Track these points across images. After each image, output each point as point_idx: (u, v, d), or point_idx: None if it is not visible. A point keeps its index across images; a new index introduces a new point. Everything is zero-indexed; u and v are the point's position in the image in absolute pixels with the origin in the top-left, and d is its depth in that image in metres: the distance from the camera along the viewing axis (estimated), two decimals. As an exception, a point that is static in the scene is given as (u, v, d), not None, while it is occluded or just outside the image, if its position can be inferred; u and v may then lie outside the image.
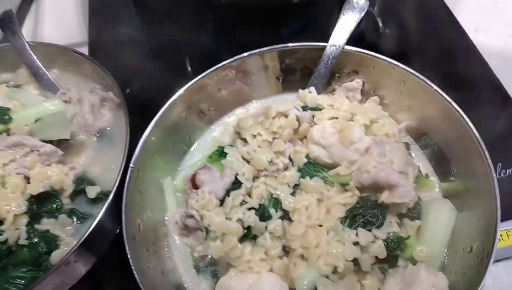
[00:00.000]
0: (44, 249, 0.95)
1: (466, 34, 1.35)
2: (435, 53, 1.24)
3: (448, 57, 1.26)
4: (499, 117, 1.19)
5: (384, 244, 0.89)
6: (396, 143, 0.99)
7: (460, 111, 0.97)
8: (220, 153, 1.08)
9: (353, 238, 0.88)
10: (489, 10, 1.45)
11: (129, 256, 0.87)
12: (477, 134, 0.95)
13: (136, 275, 0.85)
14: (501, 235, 1.01)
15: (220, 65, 1.12)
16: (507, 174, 1.11)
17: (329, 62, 1.10)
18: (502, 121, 1.20)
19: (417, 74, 1.04)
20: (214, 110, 1.19)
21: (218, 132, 1.19)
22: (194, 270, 0.99)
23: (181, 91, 1.09)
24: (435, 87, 1.01)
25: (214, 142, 1.16)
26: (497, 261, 1.03)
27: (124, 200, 0.93)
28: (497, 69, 1.26)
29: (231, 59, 1.12)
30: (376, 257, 0.89)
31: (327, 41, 1.11)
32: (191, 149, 1.17)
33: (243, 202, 0.96)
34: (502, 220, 0.86)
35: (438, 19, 1.38)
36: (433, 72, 1.08)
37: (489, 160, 0.91)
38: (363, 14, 1.10)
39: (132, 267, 0.85)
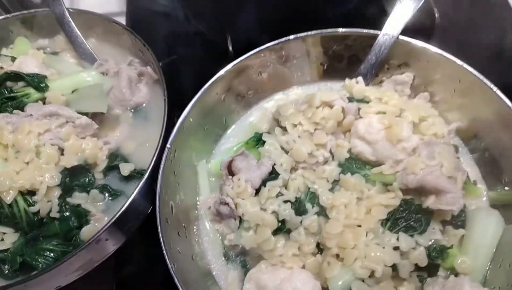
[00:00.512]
0: (75, 224, 0.95)
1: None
2: (493, 51, 1.16)
3: (508, 55, 1.17)
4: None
5: (426, 251, 0.85)
6: (446, 145, 0.94)
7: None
8: (257, 140, 1.04)
9: (393, 243, 0.84)
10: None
11: (161, 240, 0.85)
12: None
13: (167, 260, 0.83)
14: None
15: (263, 47, 1.07)
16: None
17: (381, 51, 1.04)
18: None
19: (475, 72, 0.97)
20: (253, 94, 1.15)
21: (255, 117, 1.15)
22: (223, 258, 0.97)
23: (221, 72, 1.05)
24: (495, 88, 0.94)
25: (251, 127, 1.12)
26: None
27: (159, 181, 0.91)
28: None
29: (275, 42, 1.07)
30: (416, 265, 0.85)
31: (376, 29, 1.04)
32: (227, 132, 1.14)
33: (279, 194, 0.92)
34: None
35: (498, 14, 1.28)
36: (490, 71, 1.00)
37: None
38: (421, 2, 1.03)
39: (165, 252, 0.84)
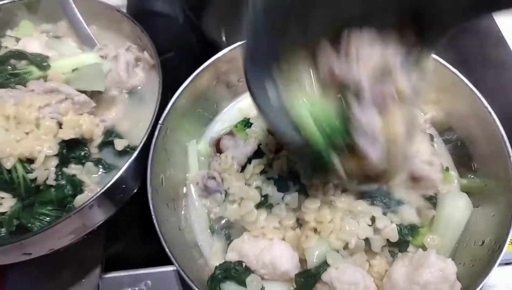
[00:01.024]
0: (69, 192, 1.00)
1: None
2: (467, 47, 1.24)
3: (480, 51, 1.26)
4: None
5: (397, 229, 0.91)
6: (423, 133, 1.00)
7: (490, 109, 0.98)
8: (246, 123, 1.10)
9: (367, 220, 0.90)
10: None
11: (150, 205, 0.91)
12: (504, 135, 0.95)
13: (156, 224, 0.88)
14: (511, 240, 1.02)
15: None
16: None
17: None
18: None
19: (450, 67, 1.04)
20: (243, 82, 1.21)
21: (244, 104, 1.21)
22: (209, 230, 1.02)
23: (212, 59, 1.11)
24: (468, 82, 1.01)
25: (240, 113, 1.19)
26: (507, 264, 1.04)
27: (150, 154, 0.97)
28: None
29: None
30: (388, 240, 0.91)
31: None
32: (217, 117, 1.20)
33: (263, 172, 0.99)
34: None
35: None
36: (466, 67, 1.08)
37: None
38: None
39: (153, 215, 0.89)
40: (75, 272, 1.11)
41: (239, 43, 1.12)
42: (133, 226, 1.14)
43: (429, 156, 0.95)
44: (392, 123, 0.74)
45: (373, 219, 0.90)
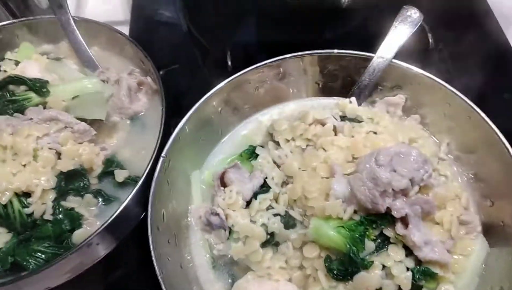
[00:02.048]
0: (67, 227, 0.96)
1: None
2: (486, 78, 1.19)
3: (500, 84, 1.21)
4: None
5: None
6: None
7: (507, 144, 0.93)
8: (251, 153, 1.06)
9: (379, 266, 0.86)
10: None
11: (151, 247, 0.86)
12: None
13: (156, 268, 0.84)
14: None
15: (262, 63, 1.10)
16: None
17: (374, 73, 1.07)
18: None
19: (465, 98, 0.99)
20: (249, 108, 1.17)
21: (249, 130, 1.17)
22: (211, 267, 0.98)
23: (220, 85, 1.07)
24: (483, 114, 0.97)
25: (245, 139, 1.14)
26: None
27: (152, 189, 0.93)
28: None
29: (274, 59, 1.11)
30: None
31: (371, 52, 1.08)
32: (221, 143, 1.15)
33: (269, 207, 0.94)
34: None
35: (493, 41, 1.32)
36: (482, 97, 1.03)
37: None
38: (416, 28, 1.06)
39: (153, 259, 0.85)
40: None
41: (248, 68, 1.08)
42: (132, 258, 1.10)
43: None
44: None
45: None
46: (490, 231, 0.95)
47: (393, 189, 0.87)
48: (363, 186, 0.87)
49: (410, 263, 0.87)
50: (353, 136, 0.99)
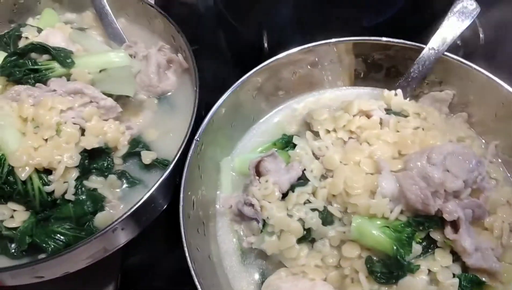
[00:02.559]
0: (89, 209, 0.90)
1: None
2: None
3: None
4: None
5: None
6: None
7: None
8: (286, 143, 1.00)
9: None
10: None
11: (183, 236, 0.81)
12: None
13: (188, 259, 0.79)
14: None
15: (300, 48, 1.04)
16: None
17: (425, 66, 1.00)
18: None
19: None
20: (283, 94, 1.11)
21: (282, 117, 1.11)
22: (240, 260, 0.92)
23: (256, 69, 1.01)
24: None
25: (278, 127, 1.08)
26: None
27: (184, 175, 0.87)
28: None
29: (315, 44, 1.04)
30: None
31: (418, 42, 1.01)
32: (252, 130, 1.09)
33: (307, 201, 0.88)
34: None
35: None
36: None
37: None
38: (471, 20, 1.00)
39: (186, 249, 0.80)
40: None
41: (286, 52, 1.01)
42: (154, 243, 1.05)
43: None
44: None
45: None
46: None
47: (445, 191, 0.81)
48: (415, 185, 0.81)
49: (457, 269, 0.82)
50: (398, 131, 0.93)
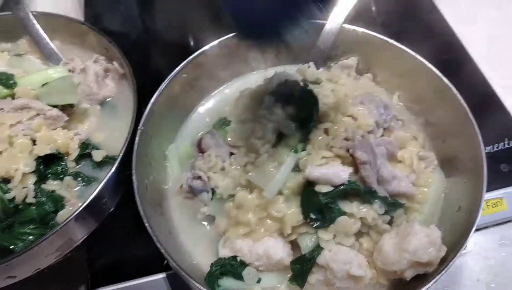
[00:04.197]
0: (51, 208, 0.97)
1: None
2: (419, 38, 1.33)
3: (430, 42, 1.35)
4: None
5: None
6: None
7: (451, 86, 1.04)
8: (222, 123, 1.12)
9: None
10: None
11: (140, 209, 0.90)
12: (468, 110, 1.00)
13: (149, 229, 0.87)
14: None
15: (221, 39, 1.16)
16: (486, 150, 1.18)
17: (328, 38, 1.16)
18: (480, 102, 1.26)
19: (411, 52, 1.10)
20: (214, 83, 1.23)
21: (217, 102, 1.22)
22: (196, 231, 1.02)
23: (184, 63, 1.13)
24: (429, 65, 1.08)
25: (214, 111, 1.20)
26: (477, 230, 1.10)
27: (134, 159, 0.96)
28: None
29: (230, 35, 1.16)
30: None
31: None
32: (191, 118, 1.20)
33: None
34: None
35: (424, 9, 1.49)
36: (423, 51, 1.14)
37: (479, 136, 0.97)
38: (360, -5, 1.17)
39: (146, 224, 0.88)
40: (60, 293, 1.07)
41: (208, 46, 1.14)
42: (117, 237, 1.12)
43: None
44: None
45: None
46: (445, 165, 1.05)
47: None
48: None
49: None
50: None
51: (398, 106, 1.15)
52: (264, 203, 0.92)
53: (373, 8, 1.32)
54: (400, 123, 1.07)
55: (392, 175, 0.96)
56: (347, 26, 1.16)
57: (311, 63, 1.16)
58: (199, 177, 0.99)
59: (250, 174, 0.94)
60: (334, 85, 1.10)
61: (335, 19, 1.15)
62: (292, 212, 0.91)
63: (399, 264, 0.86)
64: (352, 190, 0.91)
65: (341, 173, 0.91)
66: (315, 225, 0.90)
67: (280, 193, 0.92)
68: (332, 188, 0.90)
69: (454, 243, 0.88)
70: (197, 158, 1.02)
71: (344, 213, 0.91)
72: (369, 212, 0.91)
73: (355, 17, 1.18)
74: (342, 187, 0.90)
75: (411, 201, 0.98)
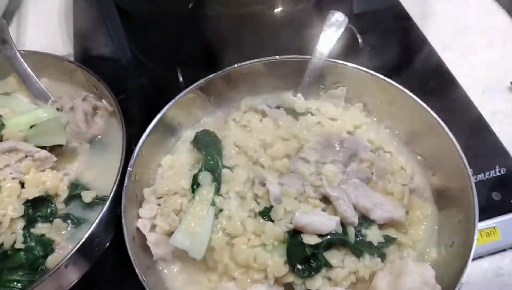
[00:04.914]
0: (40, 253, 0.95)
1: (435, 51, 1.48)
2: (408, 68, 1.35)
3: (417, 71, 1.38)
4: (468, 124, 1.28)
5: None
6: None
7: (438, 118, 1.05)
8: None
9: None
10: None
11: (130, 254, 0.89)
12: (455, 142, 1.01)
13: (139, 274, 0.86)
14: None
15: (208, 77, 1.16)
16: (477, 179, 1.19)
17: (314, 71, 1.17)
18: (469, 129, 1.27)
19: (398, 85, 1.11)
20: (205, 115, 1.23)
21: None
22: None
23: (173, 102, 1.12)
24: (416, 98, 1.09)
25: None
26: (479, 258, 1.10)
27: (123, 201, 0.95)
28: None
29: (222, 71, 1.17)
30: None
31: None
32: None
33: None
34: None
35: (410, 38, 1.51)
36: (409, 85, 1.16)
37: (468, 168, 0.97)
38: (342, 30, 1.18)
39: (135, 266, 0.87)
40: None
41: (198, 83, 1.15)
42: (108, 278, 1.10)
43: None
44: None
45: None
46: (436, 197, 1.06)
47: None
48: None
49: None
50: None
51: (386, 137, 1.15)
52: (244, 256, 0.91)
53: (360, 40, 1.34)
54: (387, 156, 1.07)
55: (373, 202, 0.96)
56: (333, 60, 1.17)
57: (299, 95, 1.17)
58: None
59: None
60: (322, 116, 1.12)
61: (319, 54, 1.16)
62: (275, 262, 0.89)
63: (393, 304, 0.85)
64: (338, 240, 0.91)
65: (328, 222, 0.90)
66: (302, 275, 0.89)
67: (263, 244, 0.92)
68: (319, 239, 0.89)
69: (449, 281, 0.87)
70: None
71: (331, 266, 0.90)
72: (359, 264, 0.90)
73: (344, 52, 1.20)
74: (329, 237, 0.90)
75: (401, 231, 0.98)
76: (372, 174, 1.02)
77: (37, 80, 1.23)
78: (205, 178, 1.01)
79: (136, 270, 0.87)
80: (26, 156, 1.04)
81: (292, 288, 0.91)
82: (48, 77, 1.27)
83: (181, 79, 1.27)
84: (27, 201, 0.98)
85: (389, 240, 0.96)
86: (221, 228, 0.95)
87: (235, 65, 1.18)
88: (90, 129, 1.16)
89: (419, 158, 1.12)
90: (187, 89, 1.15)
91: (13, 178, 0.99)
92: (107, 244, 1.01)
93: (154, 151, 1.11)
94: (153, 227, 1.00)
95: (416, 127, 1.12)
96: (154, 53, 1.41)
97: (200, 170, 1.02)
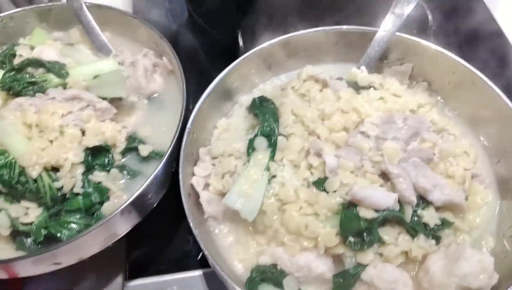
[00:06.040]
0: (97, 199, 0.98)
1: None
2: (477, 50, 1.28)
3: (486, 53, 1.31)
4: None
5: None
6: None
7: (509, 103, 1.00)
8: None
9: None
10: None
11: (186, 209, 0.90)
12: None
13: (193, 229, 0.87)
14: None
15: (273, 41, 1.15)
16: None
17: (380, 46, 1.13)
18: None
19: (468, 65, 1.06)
20: (262, 82, 1.22)
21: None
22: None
23: (235, 63, 1.12)
24: (486, 79, 1.03)
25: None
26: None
27: (181, 157, 0.96)
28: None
29: (284, 37, 1.15)
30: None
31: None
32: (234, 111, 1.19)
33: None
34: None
35: (481, 20, 1.43)
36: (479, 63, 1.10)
37: None
38: (413, 5, 1.12)
39: (189, 220, 0.88)
40: (97, 281, 1.08)
41: (259, 47, 1.13)
42: (156, 231, 1.13)
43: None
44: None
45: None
46: (499, 186, 1.01)
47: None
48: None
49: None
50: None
51: (451, 119, 1.10)
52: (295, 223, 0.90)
53: (429, 17, 1.28)
54: (451, 138, 1.03)
55: (432, 183, 0.92)
56: (401, 34, 1.12)
57: (363, 67, 1.13)
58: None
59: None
60: (385, 92, 1.08)
61: (387, 27, 1.12)
62: (326, 232, 0.88)
63: (446, 287, 0.83)
64: (394, 217, 0.89)
65: (387, 197, 0.88)
66: (353, 247, 0.87)
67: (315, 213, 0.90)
68: (376, 214, 0.87)
69: (507, 271, 0.84)
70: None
71: (384, 243, 0.88)
72: (412, 244, 0.88)
73: (412, 28, 1.15)
74: (385, 213, 0.88)
75: (459, 216, 0.94)
76: (434, 155, 0.98)
77: (100, 33, 1.25)
78: (261, 143, 1.00)
79: (190, 224, 0.88)
80: (88, 106, 1.06)
81: (340, 260, 0.91)
82: (110, 31, 1.29)
83: (241, 43, 1.25)
84: (87, 148, 1.00)
85: (445, 224, 0.92)
86: (273, 193, 0.95)
87: (298, 32, 1.15)
88: (149, 85, 1.17)
89: (485, 143, 1.06)
90: (247, 53, 1.14)
91: (75, 125, 1.01)
92: (161, 196, 1.03)
93: (210, 113, 1.11)
94: (206, 186, 1.00)
95: (484, 111, 1.07)
96: (214, 15, 1.39)
97: (256, 135, 1.01)
